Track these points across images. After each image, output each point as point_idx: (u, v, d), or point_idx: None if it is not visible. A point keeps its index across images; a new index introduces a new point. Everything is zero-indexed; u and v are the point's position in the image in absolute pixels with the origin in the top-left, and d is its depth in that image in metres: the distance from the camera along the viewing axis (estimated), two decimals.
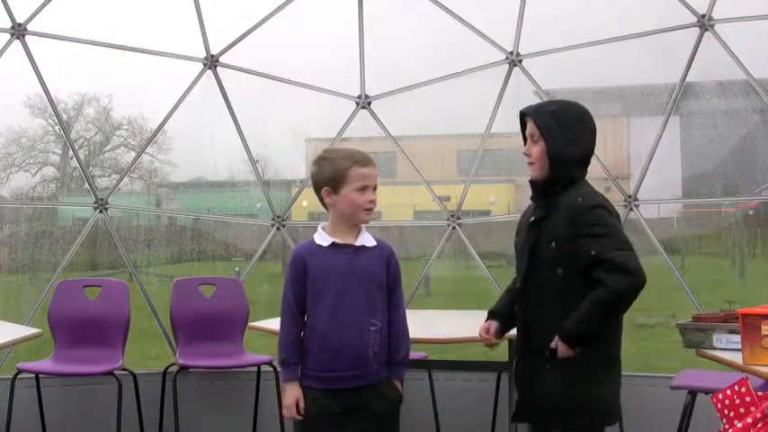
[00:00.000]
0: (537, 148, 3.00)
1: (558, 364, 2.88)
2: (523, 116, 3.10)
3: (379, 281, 3.00)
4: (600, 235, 2.82)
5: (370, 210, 3.00)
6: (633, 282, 2.78)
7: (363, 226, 3.05)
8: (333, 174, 2.97)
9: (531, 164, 3.03)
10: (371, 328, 2.95)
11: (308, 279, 2.95)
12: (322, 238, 3.01)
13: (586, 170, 3.05)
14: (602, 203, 2.92)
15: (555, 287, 2.90)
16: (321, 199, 3.04)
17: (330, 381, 2.94)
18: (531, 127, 3.03)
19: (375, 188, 3.01)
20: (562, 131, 2.95)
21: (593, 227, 2.84)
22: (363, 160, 3.00)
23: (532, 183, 3.06)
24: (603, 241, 2.81)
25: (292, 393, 2.96)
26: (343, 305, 2.93)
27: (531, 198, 3.08)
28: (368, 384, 2.96)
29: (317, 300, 2.95)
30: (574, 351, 2.85)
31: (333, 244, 2.98)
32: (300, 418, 2.95)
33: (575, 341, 2.85)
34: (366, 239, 3.03)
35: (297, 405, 2.95)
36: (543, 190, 3.02)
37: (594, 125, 3.05)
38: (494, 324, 3.20)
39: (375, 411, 2.97)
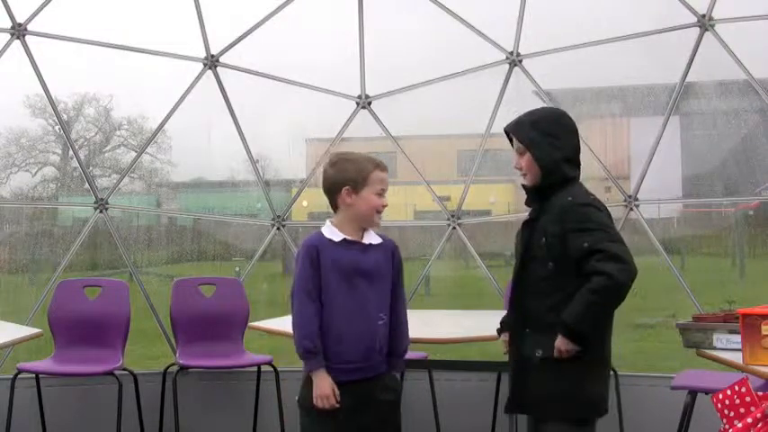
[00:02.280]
0: (525, 160, 3.13)
1: (551, 358, 2.94)
2: (508, 133, 3.23)
3: (385, 276, 3.11)
4: (591, 229, 2.91)
5: (381, 213, 3.12)
6: (630, 270, 2.85)
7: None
8: (356, 175, 3.07)
9: (523, 174, 3.17)
10: (379, 322, 3.05)
11: (321, 270, 3.01)
12: (332, 233, 3.08)
13: (579, 169, 3.14)
14: (591, 202, 3.01)
15: (547, 280, 2.99)
16: (334, 199, 3.10)
17: (343, 372, 2.99)
18: (516, 142, 3.17)
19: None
20: (545, 138, 3.08)
21: (583, 222, 2.93)
22: (383, 165, 3.13)
23: (526, 188, 3.19)
24: (595, 234, 2.90)
25: (327, 382, 2.96)
26: (353, 300, 3.01)
27: (526, 203, 3.20)
28: (374, 376, 3.04)
29: (328, 292, 3.01)
30: (576, 346, 2.88)
31: (344, 240, 3.06)
32: (337, 405, 2.95)
33: (577, 336, 2.88)
34: (372, 238, 3.13)
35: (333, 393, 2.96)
36: (537, 193, 3.13)
37: (574, 125, 3.17)
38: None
39: (382, 401, 3.06)
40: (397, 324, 3.13)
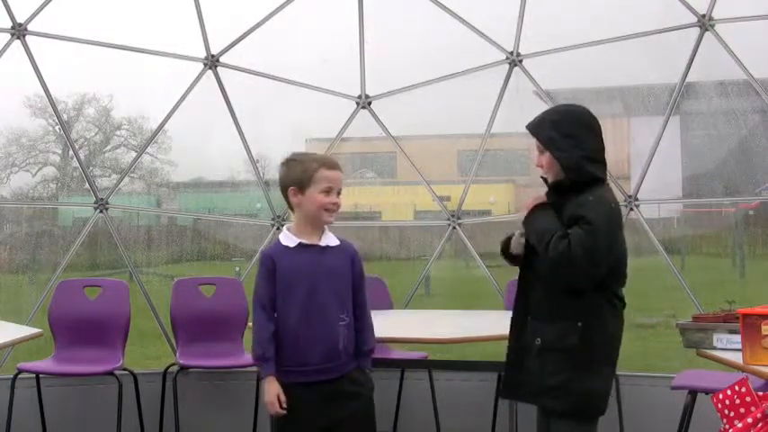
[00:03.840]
0: (545, 158, 3.13)
1: (550, 347, 2.99)
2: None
3: (344, 278, 3.13)
4: (589, 223, 2.90)
5: (333, 211, 3.13)
6: (570, 254, 2.86)
7: (327, 227, 3.16)
8: (300, 175, 3.09)
9: (546, 172, 3.16)
10: (340, 323, 3.07)
11: (278, 278, 3.06)
12: (288, 240, 3.12)
13: (605, 168, 3.12)
14: (609, 202, 3.01)
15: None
16: (287, 199, 3.15)
17: (304, 374, 3.03)
18: (536, 141, 3.16)
19: (339, 192, 3.14)
20: (564, 140, 3.07)
21: (589, 212, 2.92)
22: (330, 163, 3.14)
23: (546, 182, 3.18)
24: (591, 225, 2.89)
25: (273, 389, 3.02)
26: (312, 302, 3.04)
27: (547, 194, 3.17)
28: (340, 376, 3.07)
29: (286, 298, 3.05)
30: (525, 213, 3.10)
31: (299, 244, 3.10)
32: (284, 412, 3.01)
33: (528, 223, 3.08)
34: (330, 239, 3.16)
35: (278, 399, 3.02)
36: (556, 188, 3.12)
37: (597, 123, 3.14)
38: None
39: (351, 395, 3.09)
40: (363, 327, 3.17)
